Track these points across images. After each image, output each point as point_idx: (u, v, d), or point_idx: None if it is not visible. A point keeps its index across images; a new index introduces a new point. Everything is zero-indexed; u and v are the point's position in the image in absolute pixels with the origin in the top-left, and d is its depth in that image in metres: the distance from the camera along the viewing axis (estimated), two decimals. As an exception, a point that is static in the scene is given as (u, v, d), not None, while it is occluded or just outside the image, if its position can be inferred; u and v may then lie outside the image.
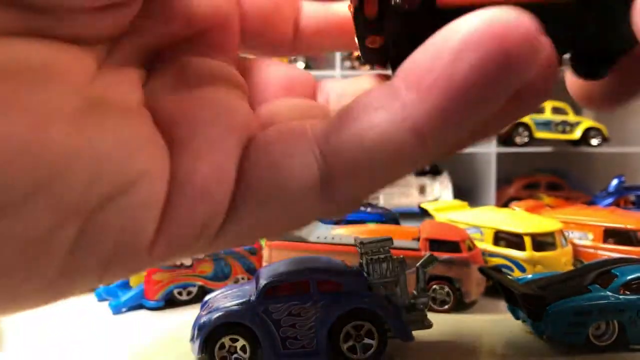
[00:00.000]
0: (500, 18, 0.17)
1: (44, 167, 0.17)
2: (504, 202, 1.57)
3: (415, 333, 0.65)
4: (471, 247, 0.85)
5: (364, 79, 0.29)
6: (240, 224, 0.21)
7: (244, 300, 0.64)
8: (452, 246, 0.83)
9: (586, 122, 1.58)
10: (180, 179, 0.20)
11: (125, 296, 0.83)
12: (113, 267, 0.20)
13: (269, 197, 0.21)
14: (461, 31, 0.18)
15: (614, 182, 1.38)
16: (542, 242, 0.89)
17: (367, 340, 0.63)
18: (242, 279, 0.90)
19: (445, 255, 0.81)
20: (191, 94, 0.23)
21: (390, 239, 0.68)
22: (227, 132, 0.21)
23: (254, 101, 0.27)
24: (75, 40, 0.20)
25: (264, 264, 0.88)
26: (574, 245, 0.94)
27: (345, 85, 0.29)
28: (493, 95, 0.18)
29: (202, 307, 0.68)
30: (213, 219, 0.20)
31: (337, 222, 1.03)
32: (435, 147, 0.20)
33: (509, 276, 0.80)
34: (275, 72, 0.28)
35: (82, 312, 0.84)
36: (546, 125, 1.58)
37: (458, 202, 1.20)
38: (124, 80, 0.22)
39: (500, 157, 1.53)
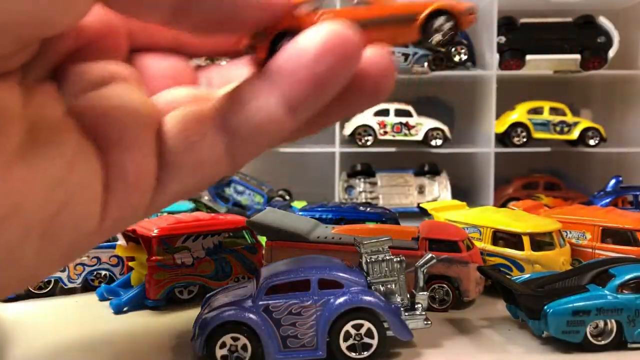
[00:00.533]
0: (340, 31, 0.27)
1: (10, 199, 0.22)
2: (502, 202, 1.57)
3: (414, 332, 0.66)
4: (470, 247, 0.86)
5: (243, 66, 0.36)
6: (168, 193, 0.29)
7: (244, 299, 0.64)
8: (451, 246, 0.84)
9: (584, 123, 1.59)
10: (114, 175, 0.26)
11: (126, 295, 0.84)
12: (72, 252, 0.26)
13: (190, 173, 0.28)
14: (316, 41, 0.27)
15: (612, 182, 1.38)
16: (541, 241, 0.89)
17: (366, 340, 0.64)
18: (243, 278, 0.90)
19: (444, 255, 0.82)
20: (103, 96, 0.28)
21: (389, 239, 0.68)
22: (143, 130, 0.27)
23: (147, 91, 0.32)
24: (3, 74, 0.24)
25: (264, 263, 0.88)
26: (572, 245, 0.95)
27: (227, 71, 0.36)
28: (337, 81, 0.28)
29: (203, 306, 0.69)
30: (145, 198, 0.27)
31: (337, 222, 1.03)
32: (302, 118, 0.29)
33: (507, 275, 0.80)
34: (160, 65, 0.35)
35: (83, 311, 0.85)
36: (544, 125, 1.58)
37: (457, 202, 1.20)
38: (45, 96, 0.27)
39: (498, 157, 1.54)
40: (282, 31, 0.32)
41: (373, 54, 0.30)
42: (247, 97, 0.29)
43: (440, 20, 0.38)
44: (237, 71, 0.35)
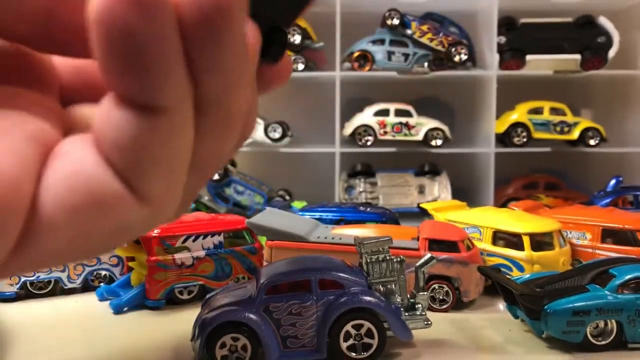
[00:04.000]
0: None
1: None
2: (502, 202, 1.57)
3: (414, 332, 0.66)
4: (470, 247, 0.86)
5: None
6: (57, 235, 0.20)
7: (244, 299, 0.64)
8: (451, 246, 0.84)
9: (584, 123, 1.59)
10: None
11: (126, 296, 0.84)
12: None
13: (81, 204, 0.19)
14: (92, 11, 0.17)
15: (612, 182, 1.38)
16: (541, 242, 0.89)
17: (366, 340, 0.64)
18: (243, 278, 0.90)
19: (444, 255, 0.82)
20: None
21: (389, 239, 0.68)
22: (24, 140, 0.20)
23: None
24: None
25: (264, 263, 0.88)
26: (573, 245, 0.94)
27: None
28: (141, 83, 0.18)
29: (203, 306, 0.69)
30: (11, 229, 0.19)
31: (337, 222, 1.03)
32: (140, 178, 0.20)
33: (507, 276, 0.80)
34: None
35: (83, 311, 0.85)
36: (544, 125, 1.58)
37: (457, 202, 1.20)
38: None
39: (498, 157, 1.54)
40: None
41: None
42: (63, 158, 0.20)
43: None
44: None
